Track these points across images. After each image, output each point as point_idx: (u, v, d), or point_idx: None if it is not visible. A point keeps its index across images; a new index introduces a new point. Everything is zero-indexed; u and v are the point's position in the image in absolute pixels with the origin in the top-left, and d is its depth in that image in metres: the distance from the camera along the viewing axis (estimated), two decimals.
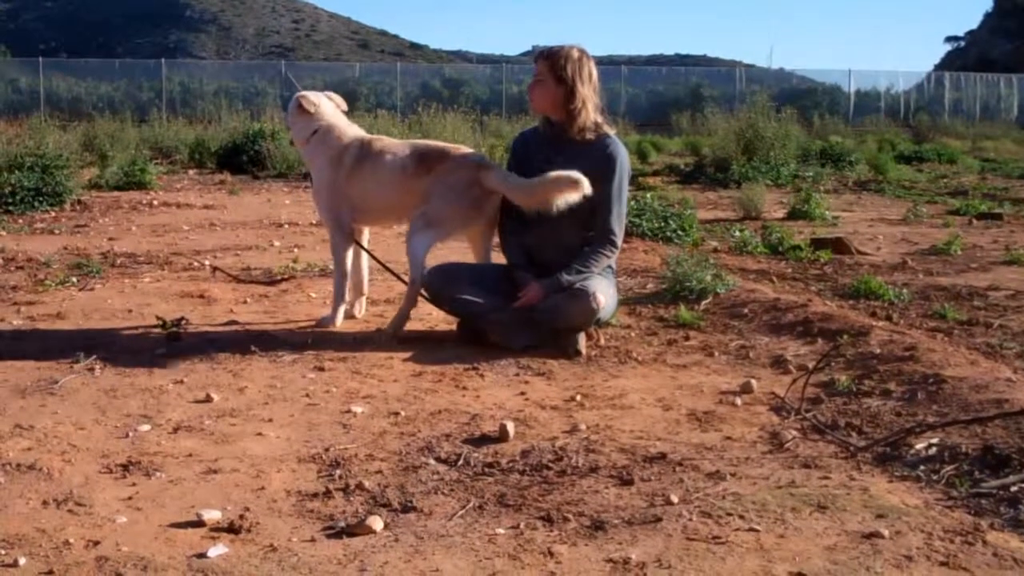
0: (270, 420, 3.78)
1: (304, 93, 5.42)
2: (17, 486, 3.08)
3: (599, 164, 4.95)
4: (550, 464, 3.30)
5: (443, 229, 5.13)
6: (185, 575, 2.49)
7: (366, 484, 3.10)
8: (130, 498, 3.01)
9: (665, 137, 26.93)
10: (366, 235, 5.61)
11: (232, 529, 2.76)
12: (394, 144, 5.39)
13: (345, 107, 5.55)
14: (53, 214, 10.51)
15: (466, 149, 5.38)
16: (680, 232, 8.64)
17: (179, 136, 20.34)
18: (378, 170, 5.22)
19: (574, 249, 4.97)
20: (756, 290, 6.08)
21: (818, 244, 8.22)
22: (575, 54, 4.98)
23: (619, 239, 5.04)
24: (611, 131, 5.07)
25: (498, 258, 5.29)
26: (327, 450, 3.44)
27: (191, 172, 16.99)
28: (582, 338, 4.82)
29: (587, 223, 5.00)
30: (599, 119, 5.03)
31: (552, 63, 4.97)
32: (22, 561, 2.54)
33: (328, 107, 5.41)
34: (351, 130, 5.40)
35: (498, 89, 41.21)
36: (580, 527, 2.80)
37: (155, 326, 5.21)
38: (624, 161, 5.02)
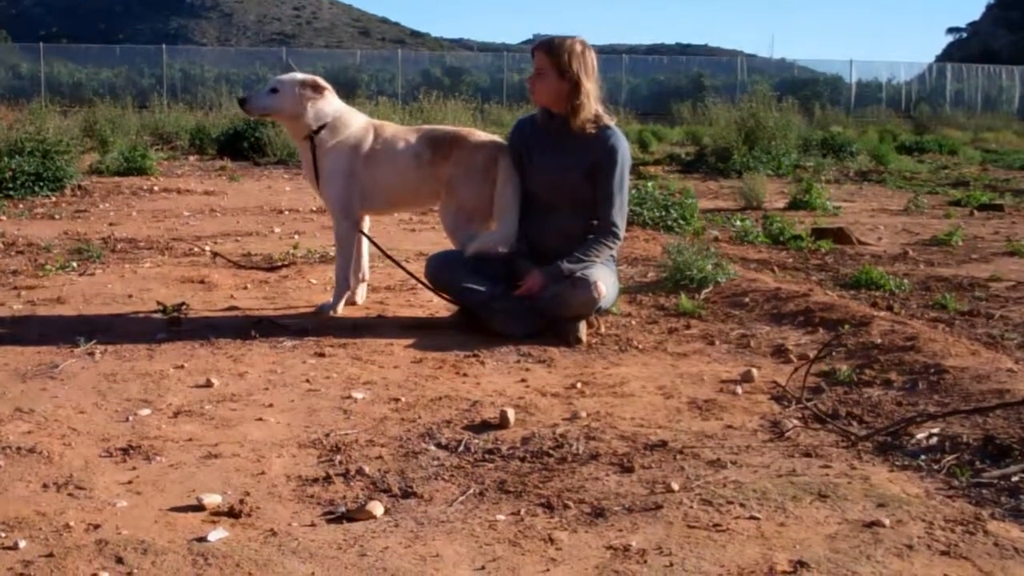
0: (270, 405, 3.78)
1: (314, 77, 5.30)
2: (17, 469, 3.08)
3: (600, 156, 4.94)
4: (550, 451, 3.30)
5: (482, 216, 5.16)
6: (185, 559, 2.49)
7: (366, 469, 3.10)
8: (130, 482, 3.01)
9: (666, 127, 26.89)
10: (367, 222, 5.59)
11: (232, 513, 2.76)
12: (403, 130, 5.37)
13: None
14: (53, 199, 10.49)
15: (480, 133, 5.35)
16: (681, 221, 8.62)
17: (180, 122, 20.31)
18: (391, 158, 5.20)
19: (575, 237, 4.96)
20: (757, 279, 6.08)
21: (819, 234, 8.21)
22: (578, 47, 4.95)
23: (621, 231, 5.02)
24: (611, 122, 5.05)
25: None
26: (327, 435, 3.44)
27: (191, 158, 16.96)
28: (583, 326, 4.82)
29: (589, 212, 4.99)
30: (599, 110, 5.01)
31: (555, 57, 4.93)
32: (22, 544, 2.54)
33: (334, 96, 5.36)
34: (360, 115, 5.38)
35: (499, 77, 41.17)
36: (580, 514, 2.79)
37: (155, 311, 5.21)
38: (625, 153, 5.01)
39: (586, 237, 4.96)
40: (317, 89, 5.24)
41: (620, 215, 4.99)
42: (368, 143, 5.22)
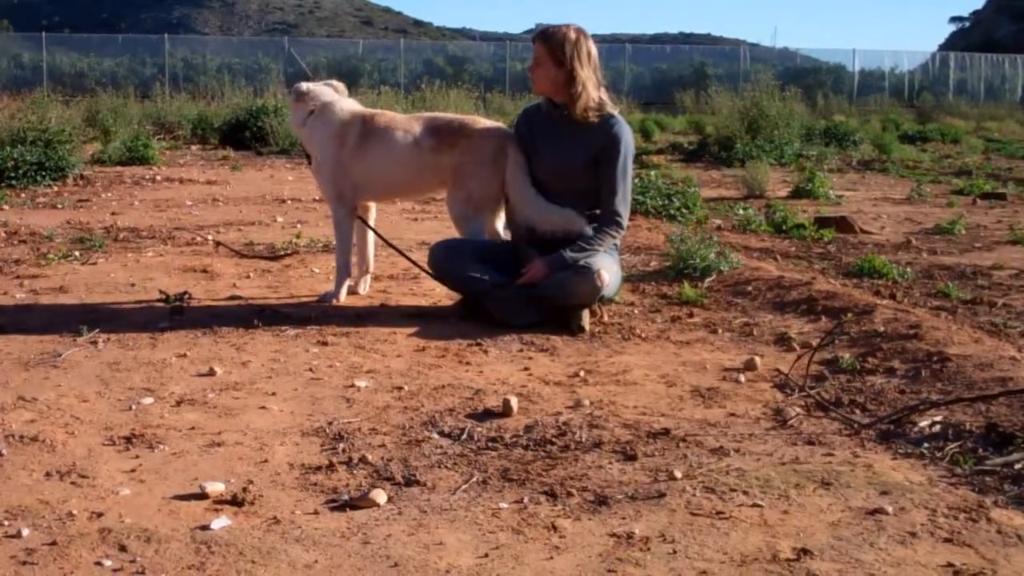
0: (273, 394, 3.78)
1: (300, 84, 5.45)
2: (20, 458, 3.08)
3: (603, 145, 4.93)
4: (553, 439, 3.30)
5: (490, 205, 5.14)
6: (188, 547, 2.49)
7: (369, 458, 3.10)
8: (133, 470, 3.01)
9: (669, 116, 26.88)
10: (373, 212, 5.59)
11: (235, 502, 2.76)
12: (400, 119, 5.34)
13: (345, 93, 5.52)
14: (56, 188, 10.50)
15: (484, 120, 5.35)
16: (684, 210, 8.62)
17: (182, 112, 20.25)
18: (388, 147, 5.18)
19: None
20: (760, 268, 6.07)
21: (822, 223, 8.20)
22: (572, 35, 4.94)
23: (625, 220, 5.02)
24: (614, 110, 5.04)
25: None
26: (330, 424, 3.44)
27: (194, 148, 16.96)
28: (586, 315, 4.81)
29: (592, 201, 4.98)
30: (602, 97, 5.00)
31: (550, 46, 4.94)
32: (25, 532, 2.54)
33: (324, 89, 5.39)
34: (349, 106, 5.36)
35: (501, 67, 41.14)
36: (584, 502, 2.80)
37: (158, 300, 5.20)
38: (628, 141, 5.00)
39: (590, 225, 4.95)
40: (298, 93, 5.40)
41: (623, 204, 4.98)
42: (353, 133, 5.21)
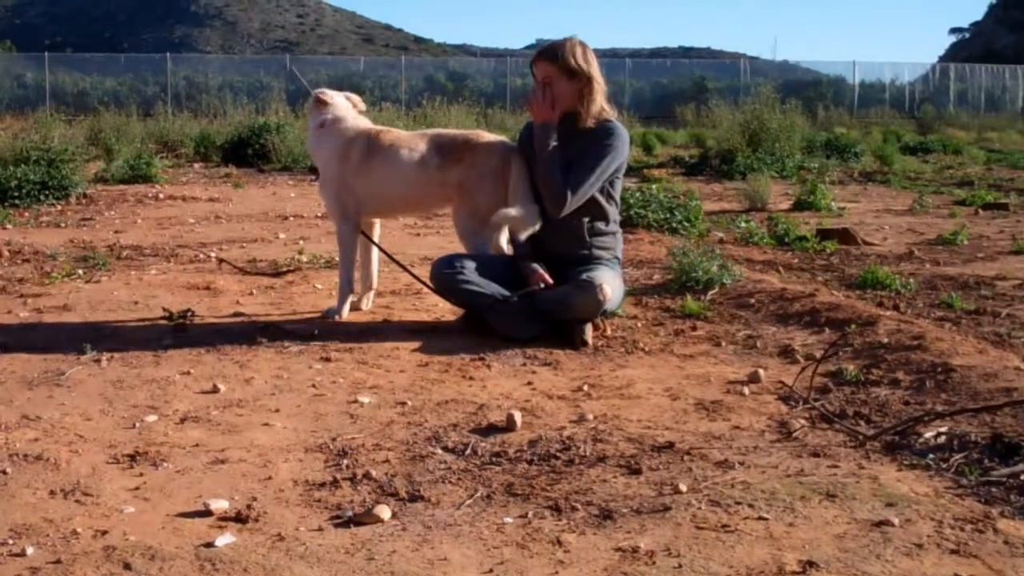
0: (277, 410, 3.77)
1: (323, 90, 5.47)
2: (24, 476, 3.08)
3: (596, 143, 4.96)
4: (558, 453, 3.29)
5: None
6: (192, 564, 2.48)
7: (373, 474, 3.10)
8: (137, 488, 3.00)
9: (669, 130, 26.92)
10: (377, 228, 5.60)
11: (239, 519, 2.76)
12: (406, 137, 5.33)
13: (362, 107, 5.53)
14: (59, 207, 10.51)
15: (487, 134, 5.36)
16: (686, 223, 8.62)
17: (184, 130, 20.33)
18: (394, 166, 5.19)
19: (579, 238, 4.97)
20: (763, 280, 6.07)
21: (824, 235, 8.20)
22: (578, 46, 4.98)
23: (567, 203, 4.90)
24: (612, 115, 5.08)
25: None
26: (334, 440, 3.43)
27: (196, 166, 16.98)
28: (589, 328, 4.81)
29: (592, 210, 4.99)
30: (604, 105, 5.04)
31: (559, 62, 4.94)
32: (30, 551, 2.54)
33: (339, 102, 5.40)
34: (356, 123, 5.37)
35: (502, 82, 41.25)
36: (588, 516, 2.79)
37: (161, 318, 5.21)
38: (618, 146, 4.95)
39: (589, 237, 4.98)
40: (317, 100, 5.42)
41: (578, 188, 4.89)
42: (357, 151, 5.22)
